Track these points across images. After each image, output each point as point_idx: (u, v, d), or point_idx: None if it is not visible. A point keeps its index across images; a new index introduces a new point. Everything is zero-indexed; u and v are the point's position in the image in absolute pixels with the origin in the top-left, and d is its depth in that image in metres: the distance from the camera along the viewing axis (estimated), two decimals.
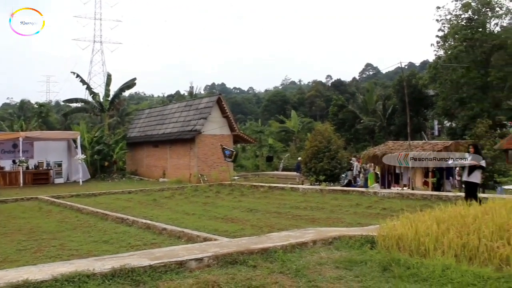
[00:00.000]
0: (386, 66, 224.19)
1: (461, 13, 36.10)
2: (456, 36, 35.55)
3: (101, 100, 35.84)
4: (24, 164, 24.81)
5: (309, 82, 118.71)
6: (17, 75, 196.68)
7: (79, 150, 25.76)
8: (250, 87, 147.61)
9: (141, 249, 7.50)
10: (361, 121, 46.44)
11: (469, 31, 34.72)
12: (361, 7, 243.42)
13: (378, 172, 21.04)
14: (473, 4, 35.50)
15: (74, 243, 8.57)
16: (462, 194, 11.37)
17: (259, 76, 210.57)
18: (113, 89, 36.74)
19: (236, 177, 25.49)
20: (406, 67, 45.86)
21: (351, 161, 24.21)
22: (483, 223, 5.96)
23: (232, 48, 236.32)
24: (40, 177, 25.47)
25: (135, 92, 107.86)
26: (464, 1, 35.59)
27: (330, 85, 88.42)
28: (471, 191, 10.67)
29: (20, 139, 24.65)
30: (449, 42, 37.14)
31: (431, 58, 53.25)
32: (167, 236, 9.07)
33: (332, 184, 21.17)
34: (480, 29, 35.02)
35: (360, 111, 48.07)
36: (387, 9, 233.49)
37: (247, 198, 16.16)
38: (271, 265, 5.40)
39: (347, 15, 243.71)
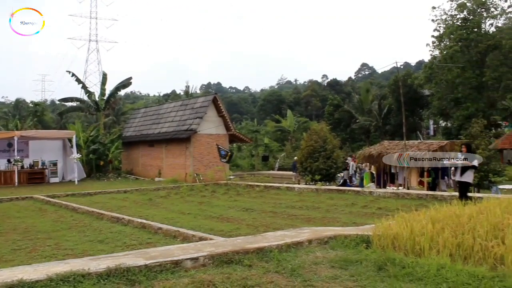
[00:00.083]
0: (381, 66, 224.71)
1: (457, 13, 36.31)
2: (452, 36, 35.73)
3: (97, 99, 35.79)
4: (19, 163, 24.67)
5: (305, 82, 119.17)
6: (12, 74, 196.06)
7: (74, 149, 25.63)
8: (246, 87, 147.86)
9: (136, 248, 7.48)
10: (357, 121, 46.57)
11: (464, 31, 34.90)
12: (357, 7, 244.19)
13: (373, 172, 21.10)
14: (468, 4, 35.70)
15: (69, 243, 8.53)
16: (457, 193, 11.41)
17: (255, 75, 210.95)
18: (109, 88, 36.74)
19: (231, 177, 25.48)
20: (401, 67, 46.18)
21: (346, 161, 24.26)
22: (478, 223, 5.99)
23: (228, 47, 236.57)
24: (35, 176, 25.29)
25: (131, 91, 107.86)
26: (460, 2, 35.78)
27: (326, 84, 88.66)
28: (464, 190, 10.72)
29: (15, 138, 24.48)
30: (444, 42, 37.31)
31: (426, 58, 53.65)
32: (162, 235, 9.05)
33: (327, 183, 21.19)
34: (475, 30, 35.21)
35: (355, 111, 48.20)
36: (383, 9, 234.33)
37: (243, 198, 16.10)
38: (267, 265, 5.40)
39: (343, 15, 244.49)
